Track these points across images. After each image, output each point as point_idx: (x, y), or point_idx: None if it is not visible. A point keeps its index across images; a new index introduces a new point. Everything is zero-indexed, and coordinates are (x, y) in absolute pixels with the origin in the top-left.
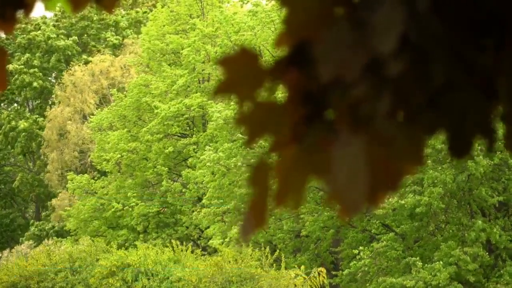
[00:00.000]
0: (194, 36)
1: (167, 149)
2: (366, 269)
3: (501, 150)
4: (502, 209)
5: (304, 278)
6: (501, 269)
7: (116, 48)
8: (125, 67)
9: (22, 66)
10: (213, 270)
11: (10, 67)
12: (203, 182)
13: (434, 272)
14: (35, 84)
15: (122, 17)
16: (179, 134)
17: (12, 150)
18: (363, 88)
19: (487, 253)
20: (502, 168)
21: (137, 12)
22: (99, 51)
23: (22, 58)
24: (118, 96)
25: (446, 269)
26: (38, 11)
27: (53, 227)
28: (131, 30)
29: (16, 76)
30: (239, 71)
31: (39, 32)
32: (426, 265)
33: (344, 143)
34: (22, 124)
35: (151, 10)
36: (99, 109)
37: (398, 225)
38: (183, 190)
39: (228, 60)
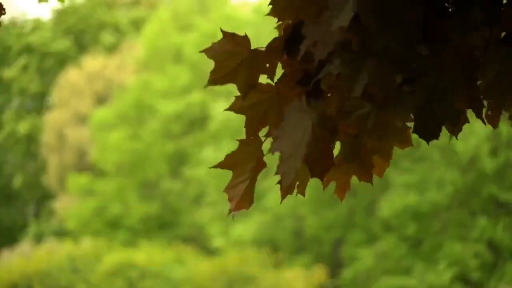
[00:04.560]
0: (195, 34)
1: (167, 148)
2: (367, 269)
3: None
4: (503, 208)
5: (304, 278)
6: (501, 268)
7: (114, 48)
8: (121, 67)
9: (17, 74)
10: (216, 271)
11: (6, 74)
12: (203, 183)
13: (437, 273)
14: (32, 88)
15: (122, 15)
16: (179, 134)
17: (13, 153)
18: (336, 66)
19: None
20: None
21: (137, 9)
22: (91, 55)
23: (18, 63)
24: (118, 94)
25: (449, 270)
26: (34, 12)
27: (56, 226)
28: (131, 28)
29: (13, 82)
30: (229, 57)
31: (36, 35)
32: (427, 265)
33: (296, 118)
34: (22, 127)
35: (152, 9)
36: (98, 108)
37: (400, 225)
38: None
39: (214, 48)
